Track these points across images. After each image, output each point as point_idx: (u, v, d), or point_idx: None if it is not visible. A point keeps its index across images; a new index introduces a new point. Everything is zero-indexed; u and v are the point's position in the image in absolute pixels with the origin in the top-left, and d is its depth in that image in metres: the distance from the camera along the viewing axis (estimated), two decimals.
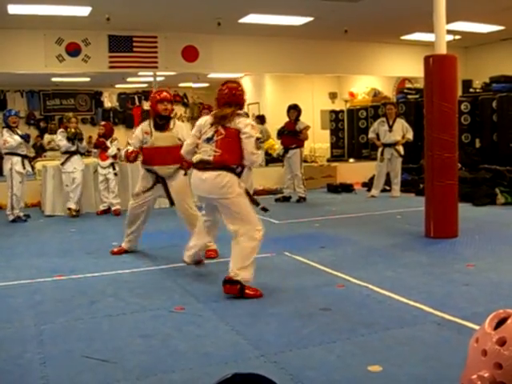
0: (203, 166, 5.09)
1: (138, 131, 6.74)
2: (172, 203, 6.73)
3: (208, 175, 5.03)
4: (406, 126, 11.65)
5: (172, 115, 6.84)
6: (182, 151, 5.52)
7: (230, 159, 5.03)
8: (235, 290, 4.92)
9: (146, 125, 6.70)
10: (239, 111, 5.18)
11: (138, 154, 6.61)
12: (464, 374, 1.21)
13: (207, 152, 5.09)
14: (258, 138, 5.11)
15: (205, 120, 5.31)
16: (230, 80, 5.61)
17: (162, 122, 6.58)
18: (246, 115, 5.67)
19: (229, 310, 4.62)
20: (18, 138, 9.54)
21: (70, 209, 10.22)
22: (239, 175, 5.13)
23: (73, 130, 10.26)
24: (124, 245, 6.94)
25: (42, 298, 5.11)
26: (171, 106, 6.66)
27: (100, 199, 10.70)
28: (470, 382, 1.17)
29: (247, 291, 4.95)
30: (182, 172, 6.58)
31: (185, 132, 6.54)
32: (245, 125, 5.03)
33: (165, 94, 6.69)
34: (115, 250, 6.92)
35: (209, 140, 5.12)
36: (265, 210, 5.45)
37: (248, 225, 5.01)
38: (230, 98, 5.18)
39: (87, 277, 5.85)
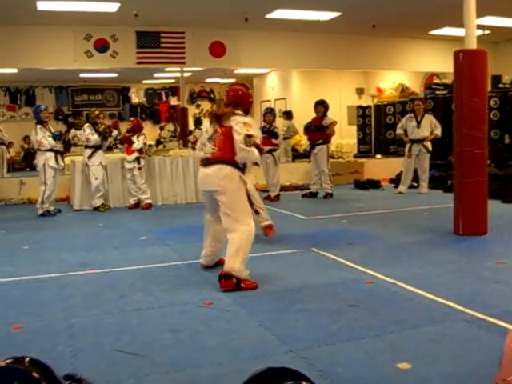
0: (205, 162, 5.44)
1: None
2: None
3: (211, 169, 5.34)
4: (435, 122, 11.54)
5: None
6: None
7: (225, 156, 5.27)
8: (231, 284, 5.06)
9: None
10: (238, 111, 5.38)
11: None
12: (499, 373, 1.19)
13: (208, 150, 5.43)
14: (249, 136, 5.17)
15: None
16: (237, 82, 5.90)
17: None
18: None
19: (257, 305, 4.63)
20: (51, 139, 9.66)
21: (103, 205, 10.42)
22: (242, 170, 5.34)
23: (103, 126, 10.43)
24: None
25: (71, 292, 5.17)
26: None
27: (129, 193, 10.80)
28: None
29: (243, 285, 5.09)
30: None
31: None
32: (236, 122, 5.25)
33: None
34: None
35: (209, 139, 5.47)
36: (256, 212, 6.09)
37: (239, 220, 5.23)
38: (233, 99, 5.47)
39: (116, 271, 5.90)
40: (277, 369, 1.33)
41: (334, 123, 11.40)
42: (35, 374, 1.13)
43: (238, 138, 5.16)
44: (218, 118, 5.41)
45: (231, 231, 5.23)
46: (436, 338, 3.79)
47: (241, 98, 5.50)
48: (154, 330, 4.12)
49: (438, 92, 14.21)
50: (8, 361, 1.18)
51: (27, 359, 1.19)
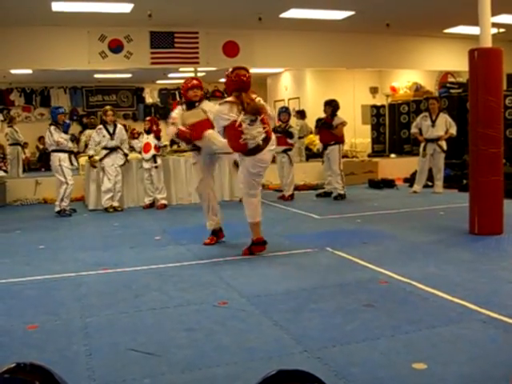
0: (267, 142, 6.22)
1: (176, 114, 7.11)
2: None
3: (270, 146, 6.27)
4: (450, 121, 11.47)
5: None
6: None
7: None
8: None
9: (180, 108, 7.15)
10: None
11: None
12: None
13: (259, 132, 6.12)
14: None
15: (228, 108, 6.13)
16: (240, 67, 6.43)
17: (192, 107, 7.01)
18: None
19: (272, 305, 4.62)
20: (64, 135, 9.75)
21: (112, 206, 10.37)
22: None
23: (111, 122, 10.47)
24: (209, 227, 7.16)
25: (87, 291, 5.20)
26: (200, 92, 7.07)
27: (145, 192, 10.84)
28: None
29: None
30: None
31: (210, 107, 6.93)
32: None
33: (194, 81, 7.12)
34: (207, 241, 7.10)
35: (252, 122, 6.11)
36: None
37: None
38: (245, 85, 6.20)
39: (131, 270, 5.92)
40: (288, 371, 1.32)
41: (342, 124, 11.25)
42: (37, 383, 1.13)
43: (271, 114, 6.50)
44: (257, 111, 6.12)
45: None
46: (452, 339, 3.77)
47: (248, 83, 6.25)
48: (170, 329, 4.13)
49: (452, 91, 14.14)
50: (9, 368, 1.18)
51: (28, 366, 1.19)
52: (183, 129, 6.81)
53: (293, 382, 1.27)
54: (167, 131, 7.50)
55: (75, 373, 3.40)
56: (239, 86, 6.18)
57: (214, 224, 7.06)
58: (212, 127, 6.64)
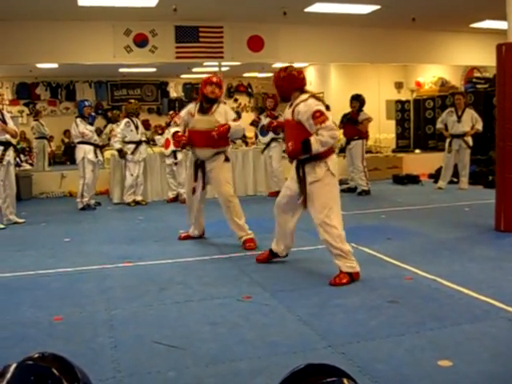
0: None
1: (183, 112, 6.98)
2: (204, 187, 6.91)
3: None
4: (476, 117, 11.34)
5: (219, 99, 6.87)
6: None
7: None
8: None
9: (192, 106, 6.86)
10: None
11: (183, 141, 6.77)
12: None
13: None
14: None
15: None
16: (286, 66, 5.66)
17: (208, 106, 6.67)
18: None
19: (295, 299, 4.62)
20: (90, 126, 9.82)
21: (134, 200, 10.44)
22: None
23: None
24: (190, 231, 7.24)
25: (112, 284, 5.24)
26: (219, 91, 6.72)
27: (168, 187, 10.88)
28: None
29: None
30: (223, 157, 6.73)
31: (228, 116, 6.66)
32: None
33: (215, 78, 6.81)
34: (182, 235, 7.26)
35: None
36: None
37: None
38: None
39: (155, 264, 5.96)
40: (317, 365, 1.31)
41: (367, 119, 11.22)
42: (54, 371, 1.16)
43: None
44: None
45: None
46: (477, 336, 3.74)
47: None
48: (194, 323, 4.15)
49: (478, 86, 13.96)
50: (30, 356, 1.22)
51: (48, 356, 1.22)
52: (180, 134, 6.78)
53: (321, 375, 1.26)
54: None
55: (100, 364, 3.43)
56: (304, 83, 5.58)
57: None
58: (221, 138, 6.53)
